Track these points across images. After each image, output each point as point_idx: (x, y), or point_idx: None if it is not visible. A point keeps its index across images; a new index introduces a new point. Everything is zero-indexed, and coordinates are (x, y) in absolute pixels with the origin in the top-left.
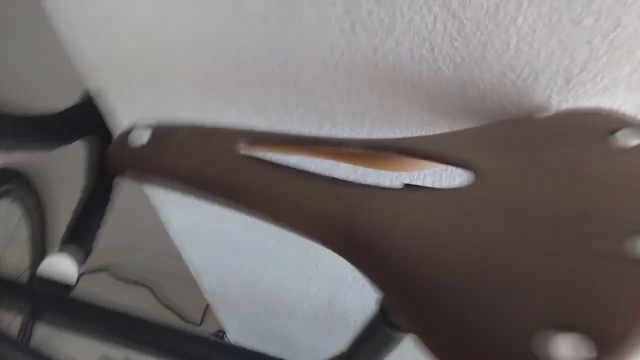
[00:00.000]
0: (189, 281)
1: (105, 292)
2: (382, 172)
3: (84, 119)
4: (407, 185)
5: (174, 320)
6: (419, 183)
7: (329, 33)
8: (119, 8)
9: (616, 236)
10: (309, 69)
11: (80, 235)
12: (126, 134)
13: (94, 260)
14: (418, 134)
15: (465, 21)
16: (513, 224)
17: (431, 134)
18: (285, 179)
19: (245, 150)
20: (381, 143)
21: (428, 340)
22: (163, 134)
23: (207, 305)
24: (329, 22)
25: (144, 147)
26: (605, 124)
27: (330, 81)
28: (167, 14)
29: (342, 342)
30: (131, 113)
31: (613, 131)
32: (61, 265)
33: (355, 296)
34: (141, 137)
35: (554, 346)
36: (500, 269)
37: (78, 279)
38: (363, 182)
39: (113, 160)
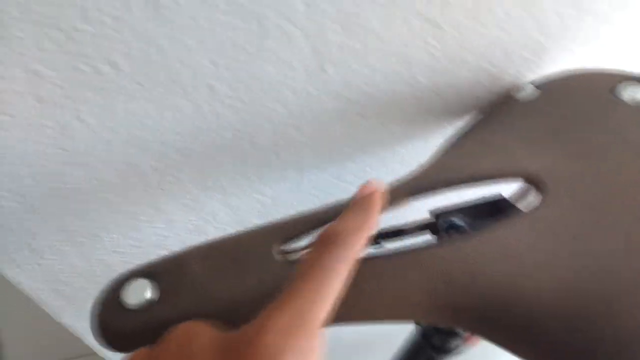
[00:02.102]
0: None
1: None
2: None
3: None
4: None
5: None
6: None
7: (292, 80)
8: None
9: None
10: (269, 124)
11: None
12: (115, 291)
13: None
14: (390, 152)
15: (445, 27)
16: (609, 220)
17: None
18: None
19: (280, 252)
20: (428, 182)
21: None
22: (173, 279)
23: None
24: (292, 68)
25: (151, 307)
26: (601, 83)
27: (293, 129)
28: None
29: None
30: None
31: (611, 89)
32: None
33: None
34: (141, 293)
35: None
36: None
37: None
38: (429, 242)
39: (110, 334)
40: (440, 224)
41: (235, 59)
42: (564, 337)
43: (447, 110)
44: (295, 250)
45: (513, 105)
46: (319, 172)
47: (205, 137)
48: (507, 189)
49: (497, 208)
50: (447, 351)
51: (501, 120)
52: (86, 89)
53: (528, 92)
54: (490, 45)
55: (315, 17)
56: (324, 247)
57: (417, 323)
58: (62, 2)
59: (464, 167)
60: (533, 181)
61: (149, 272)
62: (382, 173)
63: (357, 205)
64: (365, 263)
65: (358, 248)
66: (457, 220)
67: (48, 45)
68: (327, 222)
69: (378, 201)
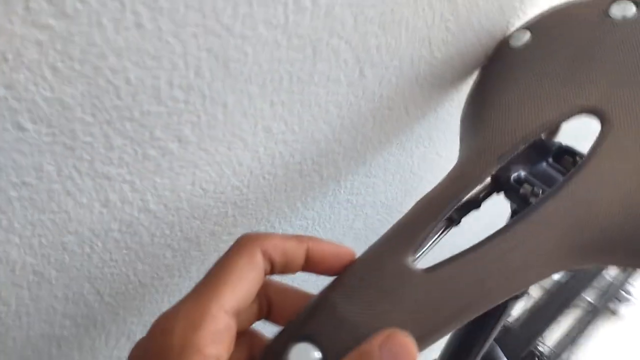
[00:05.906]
0: None
1: None
2: None
3: None
4: None
5: None
6: None
7: (338, 95)
8: None
9: None
10: (315, 147)
11: None
12: None
13: None
14: (409, 134)
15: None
16: None
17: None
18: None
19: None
20: (507, 146)
21: None
22: (331, 333)
23: None
24: (337, 82)
25: None
26: (592, 10)
27: (335, 144)
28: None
29: None
30: None
31: (604, 11)
32: None
33: None
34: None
35: None
36: None
37: None
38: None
39: None
40: (503, 182)
41: (290, 91)
42: None
43: (454, 77)
44: (422, 252)
45: (511, 54)
46: (352, 176)
47: (258, 181)
48: None
49: (541, 149)
50: None
51: (514, 70)
52: (153, 175)
53: (523, 38)
54: (489, 3)
55: (360, 27)
56: None
57: None
58: (135, 89)
59: (528, 122)
60: (594, 112)
61: (303, 333)
62: (403, 157)
63: None
64: (480, 250)
65: None
66: (520, 173)
67: (117, 141)
68: (441, 207)
69: None
